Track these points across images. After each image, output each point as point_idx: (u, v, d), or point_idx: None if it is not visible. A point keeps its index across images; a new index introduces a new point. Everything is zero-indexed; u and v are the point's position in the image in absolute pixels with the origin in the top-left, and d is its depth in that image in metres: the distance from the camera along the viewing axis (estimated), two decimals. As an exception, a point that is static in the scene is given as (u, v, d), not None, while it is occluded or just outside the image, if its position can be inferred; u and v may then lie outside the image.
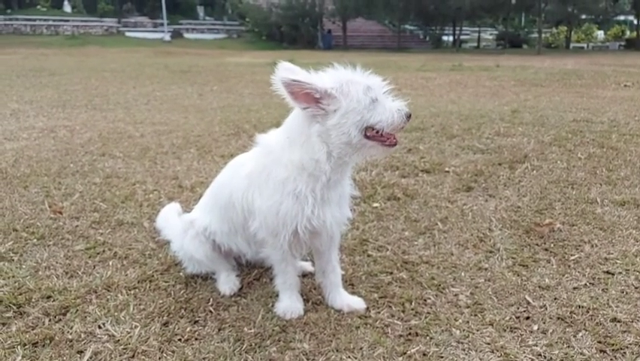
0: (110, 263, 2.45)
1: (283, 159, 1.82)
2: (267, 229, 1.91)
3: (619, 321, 1.98)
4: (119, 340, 1.86)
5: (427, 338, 1.89)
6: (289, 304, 2.04)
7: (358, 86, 1.75)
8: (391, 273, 2.38)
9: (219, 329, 1.94)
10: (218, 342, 1.86)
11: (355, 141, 1.76)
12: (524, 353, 1.80)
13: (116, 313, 2.02)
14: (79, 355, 1.79)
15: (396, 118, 1.79)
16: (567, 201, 3.32)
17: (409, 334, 1.91)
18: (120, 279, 2.29)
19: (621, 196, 3.38)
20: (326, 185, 1.84)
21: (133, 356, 1.78)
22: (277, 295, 2.10)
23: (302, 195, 1.82)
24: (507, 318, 2.01)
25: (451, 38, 39.59)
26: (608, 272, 2.37)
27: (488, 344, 1.85)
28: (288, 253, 1.97)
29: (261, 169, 1.89)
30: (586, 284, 2.27)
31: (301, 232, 1.86)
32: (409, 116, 1.83)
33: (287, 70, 1.74)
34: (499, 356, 1.79)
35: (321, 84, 1.72)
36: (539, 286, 2.25)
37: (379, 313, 2.05)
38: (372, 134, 1.79)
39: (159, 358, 1.78)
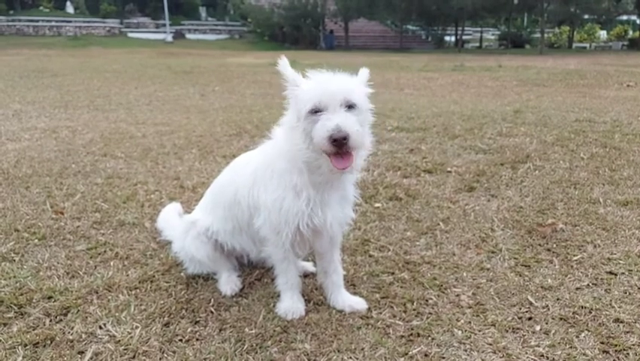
0: (111, 264, 2.45)
1: (283, 150, 1.83)
2: (270, 225, 1.91)
3: (622, 322, 1.97)
4: (119, 340, 1.86)
5: (429, 338, 1.88)
6: (290, 304, 2.03)
7: (304, 97, 1.67)
8: (393, 273, 2.37)
9: (220, 330, 1.94)
10: (219, 343, 1.85)
11: (312, 148, 1.71)
12: (526, 353, 1.79)
13: (117, 314, 2.02)
14: (80, 355, 1.79)
15: (319, 138, 1.62)
16: (570, 201, 3.31)
17: (411, 334, 1.91)
18: (121, 279, 2.29)
19: (624, 196, 3.36)
20: (317, 186, 1.82)
21: (134, 357, 1.78)
22: (278, 296, 2.09)
23: (298, 188, 1.82)
24: (509, 319, 2.00)
25: (453, 39, 39.60)
26: (610, 273, 2.36)
27: (490, 344, 1.85)
28: (290, 252, 1.96)
29: (267, 164, 1.90)
30: (588, 285, 2.26)
31: (303, 229, 1.85)
32: (334, 141, 1.59)
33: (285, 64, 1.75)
34: (501, 357, 1.78)
35: (293, 85, 1.73)
36: (542, 287, 2.24)
37: (381, 313, 2.04)
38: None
39: (160, 358, 1.77)
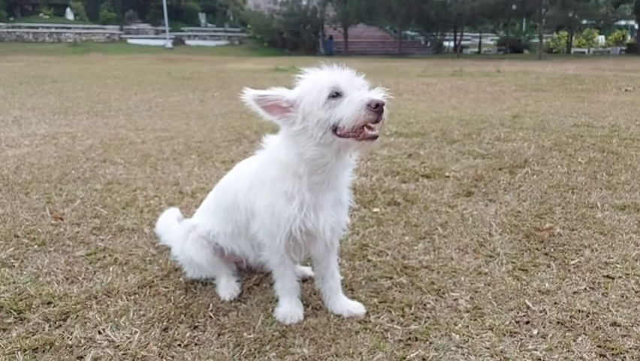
0: (111, 269, 2.46)
1: (275, 159, 1.87)
2: (264, 230, 1.94)
3: (619, 325, 1.98)
4: (118, 345, 1.87)
5: (427, 342, 1.89)
6: (289, 309, 2.04)
7: (315, 87, 1.72)
8: (391, 278, 2.38)
9: (219, 335, 1.94)
10: (217, 347, 1.86)
11: (323, 141, 1.74)
12: (524, 357, 1.80)
13: (116, 319, 2.03)
14: (79, 360, 1.79)
15: (354, 111, 1.65)
16: (567, 205, 3.32)
17: (409, 339, 1.91)
18: (120, 285, 2.30)
19: (621, 200, 3.38)
20: (314, 187, 1.84)
21: (132, 362, 1.79)
22: (277, 300, 2.10)
23: (289, 194, 1.84)
24: (507, 323, 2.01)
25: (452, 44, 39.66)
26: (608, 276, 2.37)
27: (488, 348, 1.85)
28: (286, 256, 1.98)
29: (260, 170, 1.93)
30: (586, 288, 2.27)
31: (295, 233, 1.87)
32: (376, 106, 1.64)
33: (253, 93, 1.81)
34: (498, 361, 1.79)
35: (286, 94, 1.77)
36: (539, 291, 2.25)
37: (379, 318, 2.05)
38: (342, 132, 1.70)
39: (159, 363, 1.78)
